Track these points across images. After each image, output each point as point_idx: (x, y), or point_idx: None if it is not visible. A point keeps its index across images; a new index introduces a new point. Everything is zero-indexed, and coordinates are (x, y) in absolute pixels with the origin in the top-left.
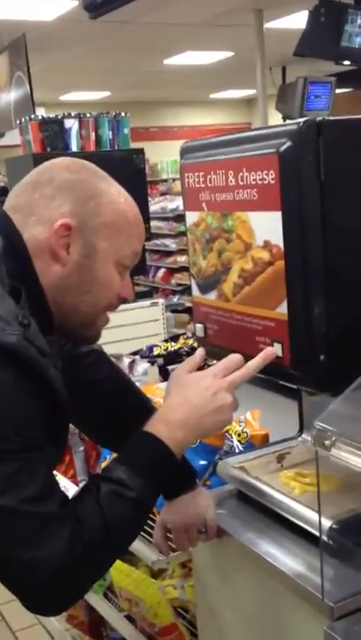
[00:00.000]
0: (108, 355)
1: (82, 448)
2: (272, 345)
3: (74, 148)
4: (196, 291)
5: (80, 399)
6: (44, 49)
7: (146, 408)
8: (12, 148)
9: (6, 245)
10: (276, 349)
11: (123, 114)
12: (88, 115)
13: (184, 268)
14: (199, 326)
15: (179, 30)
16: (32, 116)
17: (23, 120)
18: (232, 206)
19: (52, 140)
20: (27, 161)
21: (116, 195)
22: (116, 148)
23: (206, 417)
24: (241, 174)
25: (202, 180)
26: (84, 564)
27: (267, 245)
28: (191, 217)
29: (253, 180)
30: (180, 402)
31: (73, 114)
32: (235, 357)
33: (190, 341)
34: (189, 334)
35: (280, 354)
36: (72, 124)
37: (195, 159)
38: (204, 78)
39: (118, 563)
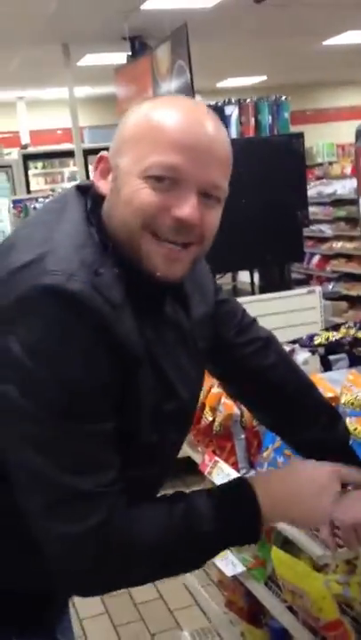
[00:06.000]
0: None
1: (243, 436)
2: None
3: (233, 134)
4: None
5: (246, 386)
6: (203, 37)
7: (311, 396)
8: None
9: (92, 206)
10: None
11: (283, 97)
12: (248, 100)
13: (340, 255)
14: None
15: (339, 10)
16: None
17: None
18: None
19: None
20: None
21: (148, 104)
22: (276, 132)
23: (301, 505)
24: None
25: None
26: (103, 559)
27: None
28: None
29: None
30: (290, 481)
31: (233, 100)
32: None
33: (352, 331)
34: (351, 324)
35: None
36: (232, 111)
37: None
38: None
39: (280, 553)
